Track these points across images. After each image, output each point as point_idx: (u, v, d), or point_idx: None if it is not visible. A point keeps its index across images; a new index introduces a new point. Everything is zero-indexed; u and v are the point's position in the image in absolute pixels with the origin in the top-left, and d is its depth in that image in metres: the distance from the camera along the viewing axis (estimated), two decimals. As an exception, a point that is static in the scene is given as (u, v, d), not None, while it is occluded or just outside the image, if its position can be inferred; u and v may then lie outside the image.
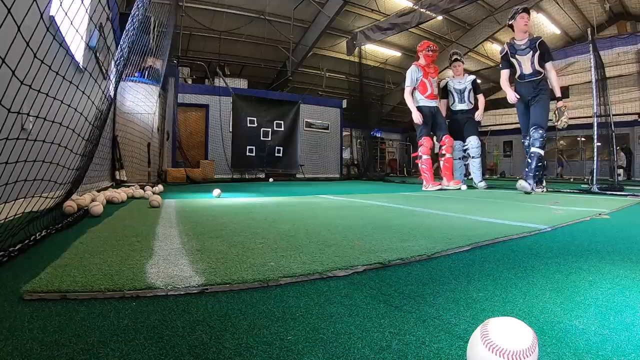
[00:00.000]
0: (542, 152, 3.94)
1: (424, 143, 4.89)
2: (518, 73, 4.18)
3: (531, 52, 4.05)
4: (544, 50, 4.01)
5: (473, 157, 5.14)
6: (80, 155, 1.93)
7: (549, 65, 4.04)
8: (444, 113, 5.43)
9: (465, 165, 5.32)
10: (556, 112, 3.98)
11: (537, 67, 4.05)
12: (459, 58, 5.40)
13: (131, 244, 1.13)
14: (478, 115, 5.23)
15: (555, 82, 4.02)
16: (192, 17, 10.06)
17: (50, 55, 1.29)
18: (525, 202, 2.95)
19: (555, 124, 4.01)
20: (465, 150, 5.24)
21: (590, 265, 0.97)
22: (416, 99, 4.96)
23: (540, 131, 3.91)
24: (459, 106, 5.28)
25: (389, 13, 10.51)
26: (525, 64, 4.09)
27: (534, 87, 4.06)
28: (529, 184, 3.87)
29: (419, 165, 5.00)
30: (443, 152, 4.94)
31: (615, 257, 1.06)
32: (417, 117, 5.06)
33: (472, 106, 5.27)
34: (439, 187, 4.73)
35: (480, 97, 5.27)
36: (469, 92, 5.27)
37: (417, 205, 2.54)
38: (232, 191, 3.97)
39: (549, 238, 1.38)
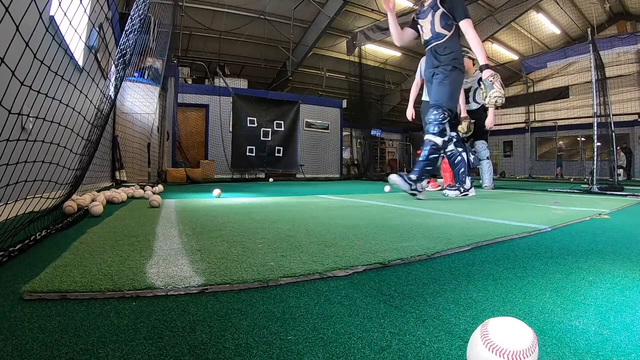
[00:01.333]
0: (436, 139, 2.97)
1: None
2: (423, 42, 3.30)
3: (431, 11, 3.10)
4: (449, 6, 3.01)
5: (481, 160, 4.70)
6: (81, 156, 1.93)
7: (463, 24, 2.97)
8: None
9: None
10: (482, 86, 2.99)
11: (437, 29, 3.08)
12: (464, 54, 4.84)
13: (131, 244, 1.13)
14: (489, 124, 4.43)
15: (476, 45, 2.91)
16: (192, 17, 10.06)
17: (50, 56, 1.29)
18: (525, 202, 2.95)
19: (483, 101, 3.04)
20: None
21: (590, 265, 0.97)
22: (424, 92, 4.30)
23: (435, 113, 2.97)
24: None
25: (389, 13, 10.49)
26: (426, 28, 3.16)
27: (435, 57, 3.11)
28: (407, 181, 2.91)
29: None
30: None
31: (615, 257, 1.06)
32: (409, 113, 4.74)
33: (479, 106, 4.65)
34: (438, 187, 4.42)
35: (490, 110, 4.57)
36: (474, 92, 4.69)
37: (417, 205, 2.54)
38: (232, 191, 3.97)
39: (549, 238, 1.38)
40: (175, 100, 7.59)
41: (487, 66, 2.90)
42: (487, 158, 4.82)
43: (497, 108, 3.28)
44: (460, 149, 3.32)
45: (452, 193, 3.36)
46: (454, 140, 3.28)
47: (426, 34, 3.16)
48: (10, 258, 0.94)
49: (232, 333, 0.56)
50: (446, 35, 3.03)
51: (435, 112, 2.96)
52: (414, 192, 2.95)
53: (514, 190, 4.84)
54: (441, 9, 3.02)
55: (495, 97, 2.85)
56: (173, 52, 7.85)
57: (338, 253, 1.05)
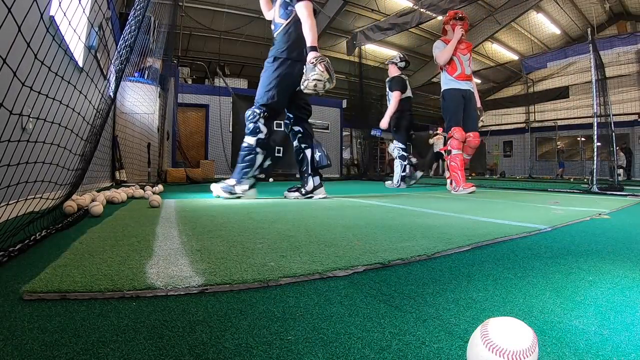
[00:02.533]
0: (248, 139, 2.81)
1: (455, 134, 4.02)
2: None
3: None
4: None
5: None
6: (80, 156, 1.93)
7: (298, 6, 2.67)
8: (393, 108, 5.03)
9: (406, 165, 5.15)
10: (304, 71, 2.69)
11: (276, 19, 2.86)
12: (389, 62, 5.39)
13: (131, 244, 1.13)
14: (381, 124, 5.09)
15: (307, 28, 2.65)
16: (192, 17, 10.07)
17: (50, 56, 1.29)
18: (525, 202, 2.95)
19: (301, 87, 2.73)
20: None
21: (590, 266, 0.97)
22: (444, 80, 4.15)
23: (248, 112, 2.80)
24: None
25: (389, 13, 10.52)
26: (274, 16, 2.94)
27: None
28: (227, 187, 2.80)
29: (448, 162, 4.21)
30: (449, 148, 4.12)
31: (615, 257, 1.06)
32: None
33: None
34: (473, 189, 3.93)
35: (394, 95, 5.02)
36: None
37: (417, 205, 2.54)
38: (232, 191, 3.96)
39: (549, 238, 1.38)
40: (175, 100, 7.59)
41: (314, 49, 2.65)
42: (399, 158, 5.10)
43: (318, 95, 2.78)
44: (304, 145, 2.97)
45: (291, 195, 3.05)
46: (300, 135, 2.93)
47: (272, 24, 2.95)
48: (10, 258, 0.94)
49: (232, 333, 0.56)
50: (282, 25, 2.81)
51: (248, 111, 2.81)
52: (235, 193, 2.81)
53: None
54: None
55: (314, 79, 2.59)
56: (173, 52, 7.85)
57: (338, 253, 1.05)
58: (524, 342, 0.40)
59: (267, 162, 2.93)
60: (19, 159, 1.21)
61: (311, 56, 2.63)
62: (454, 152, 4.06)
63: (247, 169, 2.80)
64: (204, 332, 0.56)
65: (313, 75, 2.60)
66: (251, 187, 2.88)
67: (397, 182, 5.15)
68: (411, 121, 5.26)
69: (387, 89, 5.25)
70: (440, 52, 4.09)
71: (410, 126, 5.24)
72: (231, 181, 2.83)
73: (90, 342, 0.52)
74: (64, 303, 0.67)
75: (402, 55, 5.37)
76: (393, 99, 5.05)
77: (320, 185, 3.05)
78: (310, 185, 3.00)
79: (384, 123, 5.10)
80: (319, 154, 3.06)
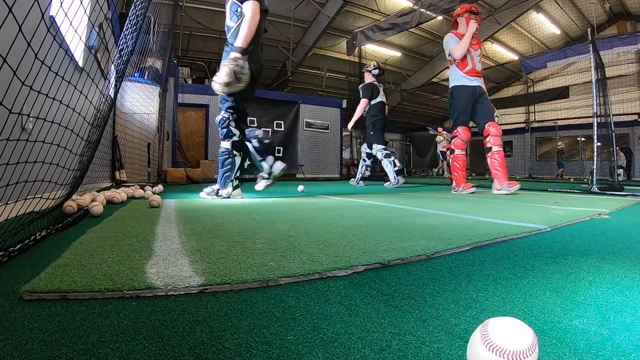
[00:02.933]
0: (224, 144, 2.89)
1: (460, 134, 3.90)
2: None
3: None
4: None
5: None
6: (80, 156, 1.93)
7: (245, 5, 2.65)
8: (358, 114, 5.60)
9: (394, 160, 5.42)
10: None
11: (227, 22, 2.82)
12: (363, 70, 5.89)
13: (131, 244, 1.13)
14: (349, 125, 5.73)
15: (244, 27, 2.61)
16: (192, 17, 10.07)
17: (51, 56, 1.29)
18: (525, 202, 2.95)
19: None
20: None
21: (590, 266, 0.97)
22: (454, 75, 3.97)
23: (218, 118, 2.86)
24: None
25: (389, 13, 10.52)
26: (227, 17, 2.87)
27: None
28: (212, 191, 2.89)
29: (450, 160, 4.10)
30: (489, 145, 3.79)
31: (615, 257, 1.06)
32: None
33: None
34: (472, 190, 3.87)
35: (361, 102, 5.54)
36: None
37: (417, 205, 2.54)
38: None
39: (549, 238, 1.38)
40: (175, 100, 7.59)
41: (237, 49, 2.58)
42: (385, 158, 5.41)
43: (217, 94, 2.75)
44: (235, 152, 2.92)
45: (203, 195, 2.98)
46: (233, 139, 2.89)
47: (225, 26, 2.89)
48: (10, 258, 0.94)
49: (232, 333, 0.56)
50: (232, 27, 2.76)
51: (217, 117, 2.87)
52: (221, 196, 2.90)
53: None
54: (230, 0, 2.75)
55: (214, 80, 2.57)
56: (173, 52, 7.85)
57: (338, 253, 1.05)
58: (524, 342, 0.40)
59: (247, 163, 3.04)
60: (18, 158, 1.21)
61: (230, 56, 2.60)
62: (457, 151, 3.95)
63: (228, 172, 2.91)
64: (204, 332, 0.56)
65: (215, 77, 2.59)
66: (235, 188, 2.98)
67: (395, 179, 5.28)
68: (385, 124, 5.63)
69: (361, 95, 5.65)
70: (455, 46, 3.86)
71: (384, 128, 5.64)
72: (216, 186, 2.94)
73: (90, 342, 0.52)
74: (64, 303, 0.67)
75: (376, 64, 5.75)
76: (360, 106, 5.55)
77: (237, 187, 3.04)
78: (229, 189, 2.94)
79: (350, 126, 5.72)
80: (247, 162, 3.09)
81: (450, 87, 4.03)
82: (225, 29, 2.88)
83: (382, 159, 5.40)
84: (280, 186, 5.09)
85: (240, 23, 2.68)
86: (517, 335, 0.41)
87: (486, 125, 3.79)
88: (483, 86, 3.97)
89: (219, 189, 2.91)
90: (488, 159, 3.82)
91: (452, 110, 4.01)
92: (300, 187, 4.00)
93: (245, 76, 2.62)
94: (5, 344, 0.51)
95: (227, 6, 2.83)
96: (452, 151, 4.00)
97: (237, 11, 2.74)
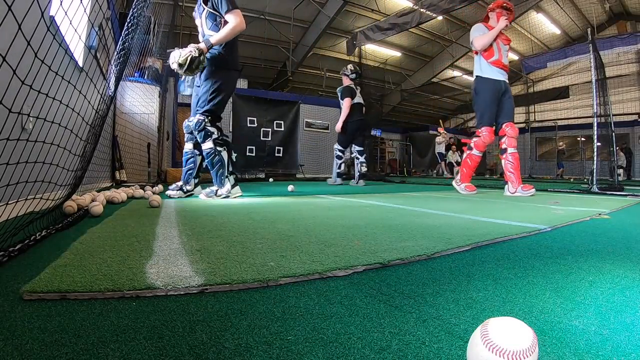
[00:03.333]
0: (206, 145, 2.89)
1: (484, 136, 3.68)
2: None
3: (203, 9, 2.83)
4: (212, 2, 2.75)
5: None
6: (80, 156, 1.93)
7: (228, 17, 2.69)
8: (344, 114, 5.71)
9: (341, 163, 5.92)
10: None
11: (206, 32, 2.85)
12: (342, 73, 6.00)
13: (131, 244, 1.13)
14: (337, 127, 5.86)
15: (223, 31, 2.69)
16: (192, 17, 10.05)
17: (50, 55, 1.29)
18: (525, 202, 2.95)
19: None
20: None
21: (591, 266, 0.97)
22: (479, 66, 3.70)
23: (194, 121, 2.87)
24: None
25: (389, 13, 10.51)
26: (199, 29, 2.94)
27: None
28: (210, 192, 2.90)
29: (465, 154, 3.92)
30: (504, 146, 3.68)
31: (615, 257, 1.06)
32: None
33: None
34: (474, 192, 3.79)
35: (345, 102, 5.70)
36: None
37: (417, 205, 2.54)
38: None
39: (549, 238, 1.38)
40: (175, 100, 7.59)
41: (206, 42, 2.67)
42: (337, 158, 5.92)
43: (189, 75, 2.77)
44: (220, 149, 2.92)
45: (173, 193, 2.98)
46: (213, 137, 2.89)
47: (200, 35, 2.94)
48: (10, 258, 0.94)
49: (232, 333, 0.56)
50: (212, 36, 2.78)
51: (192, 120, 2.87)
52: (220, 195, 2.90)
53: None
54: (206, 9, 2.80)
55: (172, 55, 2.65)
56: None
57: (338, 253, 1.05)
58: (524, 342, 0.40)
59: (234, 155, 3.08)
60: (18, 159, 1.21)
61: (199, 45, 2.68)
62: (474, 151, 3.78)
63: (221, 170, 2.91)
64: (204, 332, 0.56)
65: (175, 51, 2.67)
66: (233, 185, 2.98)
67: (334, 179, 5.85)
68: (361, 125, 5.93)
69: (339, 97, 5.92)
70: (481, 36, 3.65)
71: (359, 129, 5.93)
72: (214, 187, 2.94)
73: (90, 342, 0.52)
74: (64, 303, 0.67)
75: (352, 67, 6.00)
76: (344, 105, 5.74)
77: (235, 185, 3.04)
78: (227, 187, 2.94)
79: (338, 127, 5.89)
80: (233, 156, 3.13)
81: (474, 77, 3.80)
82: (201, 37, 2.90)
83: (334, 157, 5.92)
84: (280, 186, 5.09)
85: (221, 29, 2.75)
86: (517, 335, 0.41)
87: (503, 125, 3.65)
88: (507, 82, 3.75)
89: (217, 189, 2.92)
90: (502, 161, 3.71)
91: (475, 108, 3.78)
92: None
93: (197, 70, 2.72)
94: (5, 344, 0.51)
95: (202, 18, 2.87)
96: (470, 147, 3.82)
97: (215, 20, 2.82)
